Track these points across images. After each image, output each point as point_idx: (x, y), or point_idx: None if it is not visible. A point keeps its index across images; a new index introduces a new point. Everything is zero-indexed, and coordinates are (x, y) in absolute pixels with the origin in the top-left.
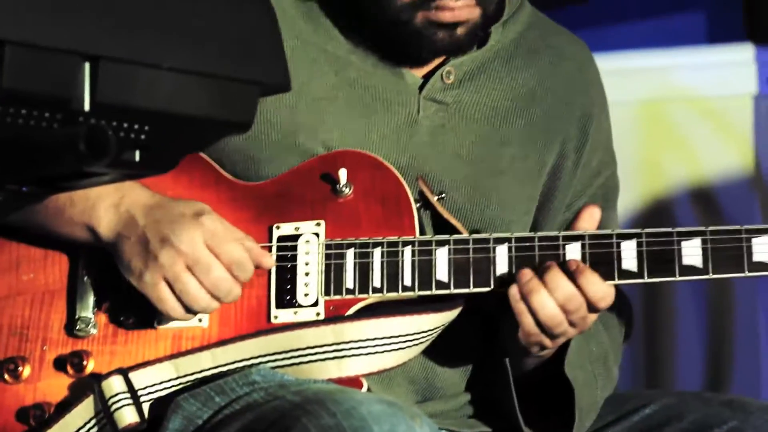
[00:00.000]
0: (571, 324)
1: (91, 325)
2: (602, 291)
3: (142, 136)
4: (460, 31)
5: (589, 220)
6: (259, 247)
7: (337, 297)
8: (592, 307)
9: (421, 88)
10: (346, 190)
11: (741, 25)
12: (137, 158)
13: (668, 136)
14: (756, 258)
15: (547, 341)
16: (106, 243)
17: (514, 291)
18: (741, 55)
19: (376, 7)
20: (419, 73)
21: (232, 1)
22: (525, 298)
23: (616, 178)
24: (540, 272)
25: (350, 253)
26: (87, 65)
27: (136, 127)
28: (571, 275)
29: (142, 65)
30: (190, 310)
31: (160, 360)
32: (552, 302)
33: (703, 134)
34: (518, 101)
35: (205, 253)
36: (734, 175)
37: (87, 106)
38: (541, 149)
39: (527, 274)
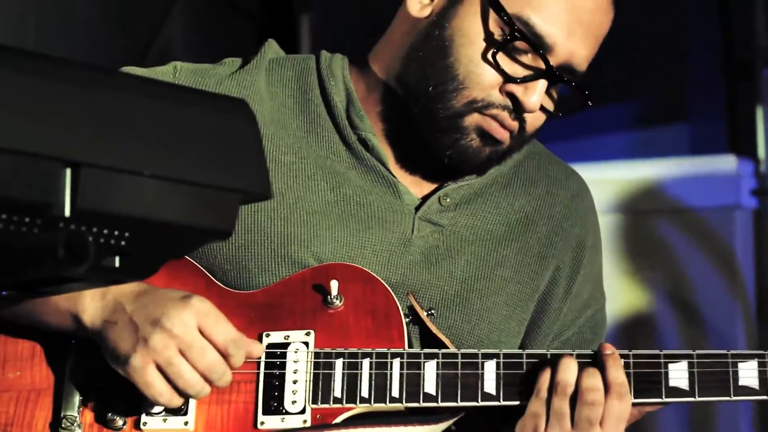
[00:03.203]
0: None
1: (75, 424)
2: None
3: (123, 243)
4: (488, 150)
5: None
6: (244, 336)
7: (325, 405)
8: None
9: (417, 208)
10: (337, 302)
11: (724, 136)
12: (117, 264)
13: (650, 246)
14: (742, 382)
15: None
16: (92, 331)
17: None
18: (724, 167)
19: (435, 95)
20: (417, 194)
21: (214, 109)
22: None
23: (605, 314)
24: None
25: (339, 363)
26: (68, 171)
27: (116, 233)
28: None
29: (124, 172)
30: (180, 395)
31: None
32: None
33: (685, 245)
34: (514, 226)
35: (198, 337)
36: (716, 286)
37: (67, 212)
38: (534, 274)
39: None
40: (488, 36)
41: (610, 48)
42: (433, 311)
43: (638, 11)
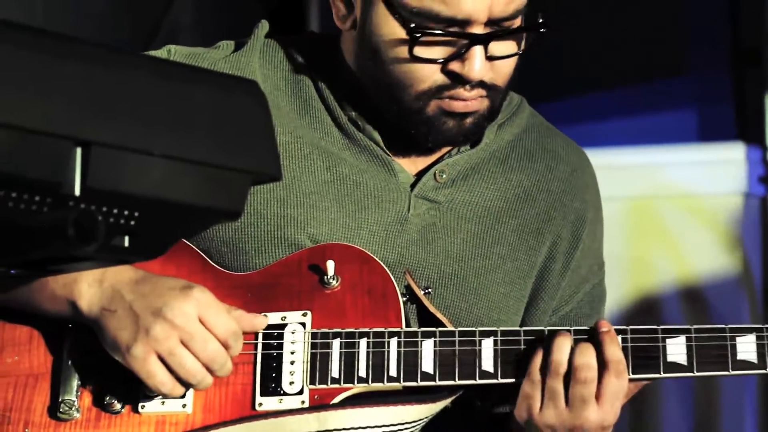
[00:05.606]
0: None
1: (74, 408)
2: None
3: (132, 222)
4: (468, 121)
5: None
6: (245, 312)
7: (323, 386)
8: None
9: (413, 186)
10: (334, 282)
11: (732, 123)
12: (126, 244)
13: (657, 232)
14: (740, 357)
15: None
16: (88, 319)
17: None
18: (731, 154)
19: (388, 96)
20: (412, 171)
21: (226, 90)
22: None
23: (604, 287)
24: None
25: (336, 343)
26: (78, 150)
27: (125, 212)
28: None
29: (134, 152)
30: (182, 384)
31: None
32: None
33: (692, 232)
34: (511, 202)
35: (200, 327)
36: (723, 273)
37: (77, 191)
38: (531, 250)
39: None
40: (407, 32)
41: (617, 33)
42: (429, 290)
43: None
